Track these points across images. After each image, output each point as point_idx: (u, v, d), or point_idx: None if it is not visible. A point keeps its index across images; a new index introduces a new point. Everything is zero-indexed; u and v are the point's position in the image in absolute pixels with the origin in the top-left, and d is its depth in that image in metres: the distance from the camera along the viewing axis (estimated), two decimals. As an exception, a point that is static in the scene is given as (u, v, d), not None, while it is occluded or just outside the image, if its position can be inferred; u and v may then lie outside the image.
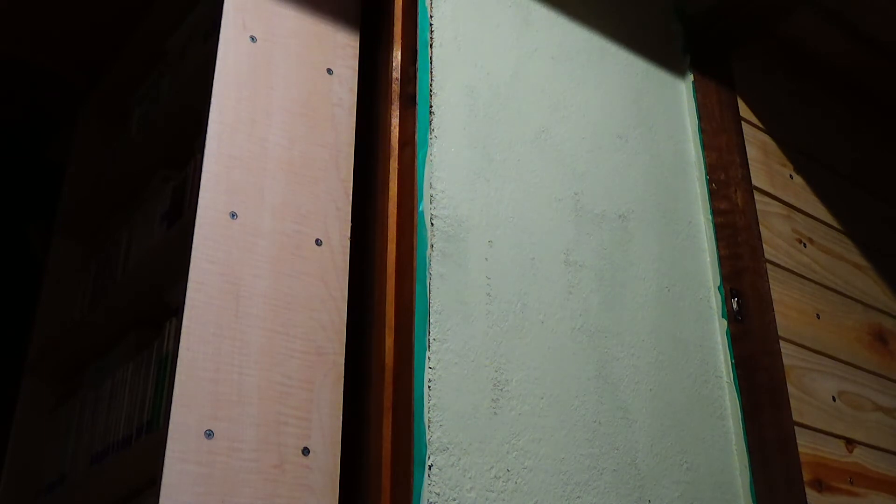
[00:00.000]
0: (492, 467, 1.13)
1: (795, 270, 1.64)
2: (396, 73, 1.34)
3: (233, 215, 1.16)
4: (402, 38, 1.36)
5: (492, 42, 1.42)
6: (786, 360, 1.49)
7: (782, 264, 1.62)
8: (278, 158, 1.23)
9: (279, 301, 1.16)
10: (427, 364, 1.13)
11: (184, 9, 1.63)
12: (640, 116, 1.58)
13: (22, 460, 1.65)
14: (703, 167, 1.62)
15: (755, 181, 1.65)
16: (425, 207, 1.22)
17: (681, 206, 1.57)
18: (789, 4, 1.72)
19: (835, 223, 1.80)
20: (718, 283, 1.54)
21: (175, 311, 1.30)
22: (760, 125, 1.75)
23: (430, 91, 1.30)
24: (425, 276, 1.18)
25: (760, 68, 1.83)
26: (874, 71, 1.95)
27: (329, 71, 1.34)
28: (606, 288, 1.38)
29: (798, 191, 1.75)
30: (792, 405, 1.45)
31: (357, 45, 1.39)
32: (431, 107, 1.29)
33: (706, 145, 1.63)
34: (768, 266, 1.57)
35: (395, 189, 1.27)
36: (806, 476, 1.40)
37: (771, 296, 1.53)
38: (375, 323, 1.21)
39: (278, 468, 1.07)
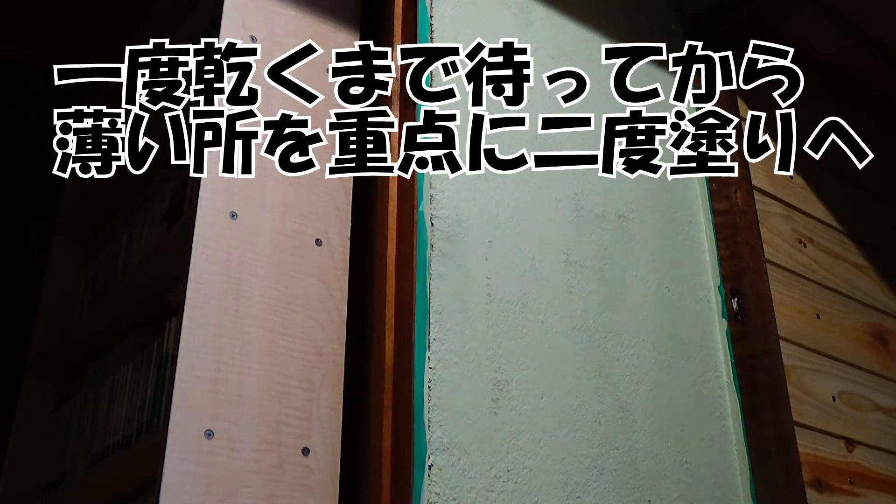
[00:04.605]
0: (492, 467, 1.13)
1: (795, 270, 1.64)
2: (396, 73, 1.34)
3: (233, 215, 1.16)
4: (402, 38, 1.36)
5: (492, 42, 1.42)
6: (786, 360, 1.49)
7: (782, 264, 1.62)
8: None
9: (279, 301, 1.16)
10: (427, 364, 1.13)
11: (184, 9, 1.63)
12: (640, 116, 1.58)
13: (22, 460, 1.65)
14: (702, 167, 1.62)
15: (755, 181, 1.65)
16: (425, 207, 1.22)
17: (681, 206, 1.57)
18: (789, 4, 1.72)
19: (835, 223, 1.80)
20: (718, 283, 1.54)
21: (175, 311, 1.30)
22: (760, 125, 1.75)
23: (430, 91, 1.30)
24: (425, 276, 1.18)
25: (760, 68, 1.83)
26: (874, 71, 1.95)
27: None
28: (606, 288, 1.38)
29: (798, 191, 1.75)
30: (792, 405, 1.45)
31: (357, 44, 1.39)
32: (431, 107, 1.29)
33: (706, 145, 1.63)
34: (768, 266, 1.57)
35: (395, 189, 1.27)
36: (806, 476, 1.40)
37: (771, 296, 1.53)
38: (375, 323, 1.21)
39: (278, 468, 1.07)
